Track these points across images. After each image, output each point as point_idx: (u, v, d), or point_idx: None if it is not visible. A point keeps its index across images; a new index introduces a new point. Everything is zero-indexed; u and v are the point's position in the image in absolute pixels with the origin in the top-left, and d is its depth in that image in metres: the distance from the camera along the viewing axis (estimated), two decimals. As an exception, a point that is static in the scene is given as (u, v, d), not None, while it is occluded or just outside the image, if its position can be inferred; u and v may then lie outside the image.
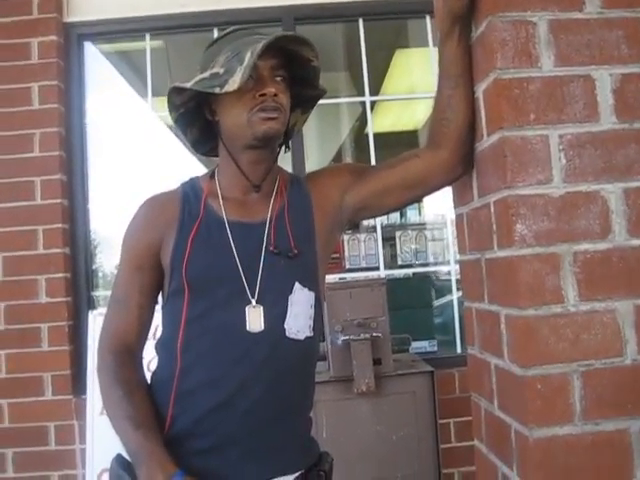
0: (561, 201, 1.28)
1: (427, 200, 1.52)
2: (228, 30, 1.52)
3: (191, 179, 1.60)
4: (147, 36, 3.81)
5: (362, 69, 3.84)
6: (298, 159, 3.65)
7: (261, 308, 1.42)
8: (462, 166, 1.50)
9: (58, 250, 3.44)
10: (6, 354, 3.38)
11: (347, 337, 2.89)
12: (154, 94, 3.78)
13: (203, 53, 1.53)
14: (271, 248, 1.46)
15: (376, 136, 3.85)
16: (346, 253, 4.03)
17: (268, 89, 1.40)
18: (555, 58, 1.31)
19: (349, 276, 3.89)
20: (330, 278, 3.54)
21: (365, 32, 3.82)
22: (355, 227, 4.11)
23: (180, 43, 4.15)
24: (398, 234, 4.21)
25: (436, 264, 4.30)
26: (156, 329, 1.55)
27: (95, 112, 3.78)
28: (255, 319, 1.41)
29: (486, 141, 1.40)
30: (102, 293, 3.76)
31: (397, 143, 5.25)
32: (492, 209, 1.39)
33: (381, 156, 3.75)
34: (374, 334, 2.90)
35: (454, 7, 1.42)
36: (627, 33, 1.31)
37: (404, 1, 3.67)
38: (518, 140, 1.29)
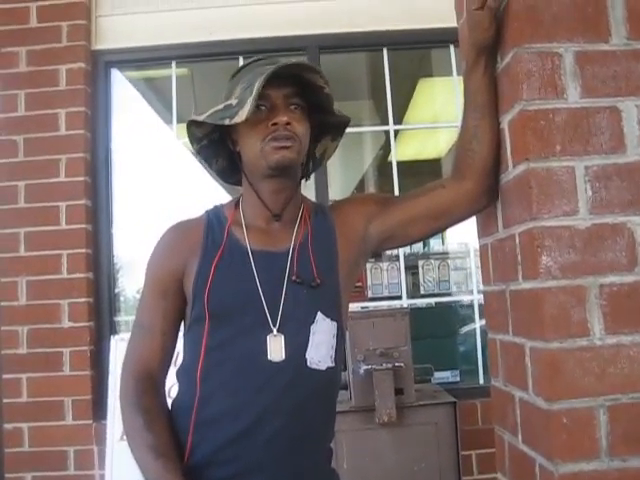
0: (587, 233, 1.27)
1: (450, 229, 1.51)
2: (250, 60, 1.54)
3: (215, 207, 1.61)
4: (173, 63, 3.86)
5: (386, 98, 3.84)
6: (321, 187, 3.66)
7: (282, 337, 1.41)
8: (487, 197, 1.50)
9: (81, 275, 3.46)
10: (28, 378, 3.39)
11: (369, 367, 2.86)
12: (179, 121, 3.82)
13: (227, 83, 1.54)
14: (293, 277, 1.45)
15: (399, 165, 3.84)
16: (369, 282, 4.02)
17: (280, 118, 1.40)
18: (581, 89, 1.31)
19: (372, 305, 3.87)
20: (352, 307, 3.50)
21: (389, 61, 3.84)
22: (378, 256, 4.10)
23: (205, 71, 4.19)
24: (421, 263, 4.19)
25: (459, 293, 4.28)
26: (177, 356, 1.55)
27: (120, 138, 3.82)
28: (276, 348, 1.40)
29: (511, 172, 1.39)
30: (124, 318, 3.76)
31: (420, 172, 5.23)
32: (517, 240, 1.38)
33: (404, 185, 3.75)
34: (396, 364, 2.87)
35: (480, 38, 1.42)
36: (654, 65, 1.31)
37: (428, 31, 3.68)
38: (544, 171, 1.28)
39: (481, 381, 3.67)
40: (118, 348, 3.12)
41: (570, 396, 1.24)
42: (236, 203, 1.58)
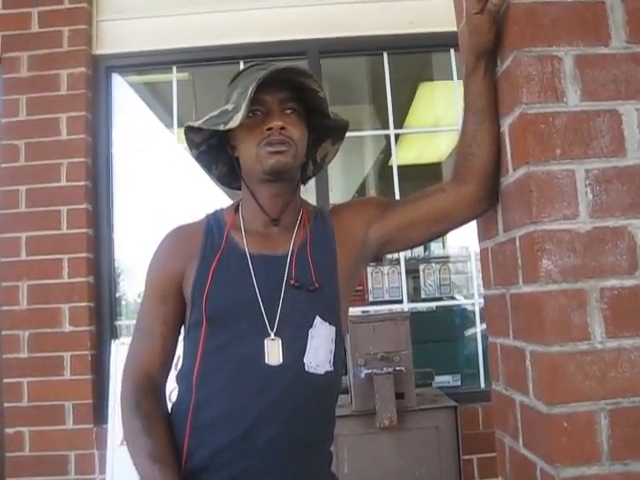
0: (587, 236, 1.27)
1: (451, 233, 1.52)
2: (248, 65, 1.55)
3: (216, 211, 1.61)
4: (174, 68, 3.87)
5: (386, 102, 3.85)
6: (322, 191, 3.66)
7: (279, 341, 1.41)
8: (487, 201, 1.50)
9: (82, 279, 3.46)
10: (29, 382, 3.39)
11: (370, 371, 2.86)
12: (180, 125, 3.82)
13: (227, 88, 1.55)
14: (292, 282, 1.45)
15: (400, 168, 3.84)
16: (369, 286, 4.02)
17: (275, 122, 1.41)
18: (581, 93, 1.31)
19: (372, 309, 3.87)
20: (353, 311, 3.52)
21: (389, 65, 3.84)
22: (379, 260, 4.10)
23: (206, 75, 4.20)
24: (422, 267, 4.20)
25: (460, 297, 4.28)
26: (178, 359, 1.54)
27: (121, 143, 3.82)
28: (274, 352, 1.40)
29: (512, 176, 1.39)
30: (125, 322, 3.77)
31: (421, 176, 5.25)
32: (517, 244, 1.38)
33: (405, 188, 3.75)
34: (397, 368, 2.87)
35: (480, 42, 1.42)
36: (654, 68, 1.31)
37: (428, 35, 3.69)
38: (544, 175, 1.28)
39: (482, 385, 3.66)
40: (119, 352, 3.12)
41: (571, 400, 1.24)
42: (236, 207, 1.59)
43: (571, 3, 1.33)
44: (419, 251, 4.67)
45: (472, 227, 1.69)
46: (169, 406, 1.52)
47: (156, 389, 1.49)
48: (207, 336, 1.43)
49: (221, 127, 1.40)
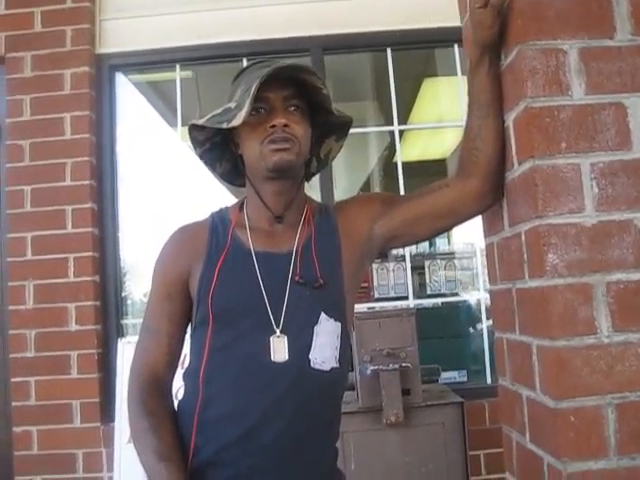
0: (593, 230, 1.27)
1: (456, 229, 1.51)
2: (251, 63, 1.55)
3: (220, 209, 1.61)
4: (177, 66, 3.86)
5: (390, 98, 3.84)
6: (326, 188, 3.66)
7: (285, 338, 1.41)
8: (492, 195, 1.50)
9: (88, 278, 3.47)
10: (36, 381, 3.40)
11: (376, 367, 2.86)
12: (184, 124, 3.81)
13: (230, 86, 1.54)
14: (297, 278, 1.45)
15: (404, 165, 3.84)
16: (375, 282, 4.01)
17: (278, 120, 1.41)
18: (586, 86, 1.30)
19: (378, 306, 3.86)
20: (359, 308, 3.51)
21: (393, 61, 3.83)
22: (384, 256, 4.09)
23: (210, 73, 4.20)
24: (427, 263, 4.19)
25: (465, 293, 4.27)
26: (184, 358, 1.55)
27: (125, 142, 3.82)
28: (279, 349, 1.40)
29: (517, 170, 1.39)
30: (131, 321, 3.77)
31: (425, 172, 5.22)
32: (523, 238, 1.37)
33: (409, 185, 3.74)
34: (403, 364, 2.87)
35: (483, 36, 1.42)
36: (659, 60, 1.30)
37: (432, 30, 3.68)
38: (549, 169, 1.28)
39: (488, 381, 3.65)
40: (125, 351, 3.13)
41: (578, 394, 1.23)
42: (241, 205, 1.59)
43: (575, -4, 1.32)
44: (424, 247, 4.66)
45: (477, 222, 1.68)
46: (175, 404, 1.53)
47: (162, 387, 1.50)
48: (213, 334, 1.43)
49: (224, 125, 1.40)
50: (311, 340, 1.42)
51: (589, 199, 1.28)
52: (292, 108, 1.45)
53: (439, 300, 4.23)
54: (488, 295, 1.74)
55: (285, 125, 1.41)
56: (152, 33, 3.77)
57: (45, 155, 3.53)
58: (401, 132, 4.04)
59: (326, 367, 1.43)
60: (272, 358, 1.39)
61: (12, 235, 3.50)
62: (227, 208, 1.61)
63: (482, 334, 3.78)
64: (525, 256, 1.37)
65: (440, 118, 5.08)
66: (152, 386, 1.47)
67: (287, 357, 1.40)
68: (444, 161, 5.46)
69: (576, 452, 1.23)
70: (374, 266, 3.98)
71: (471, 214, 1.55)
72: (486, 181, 1.47)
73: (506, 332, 1.55)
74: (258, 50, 3.61)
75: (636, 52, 1.31)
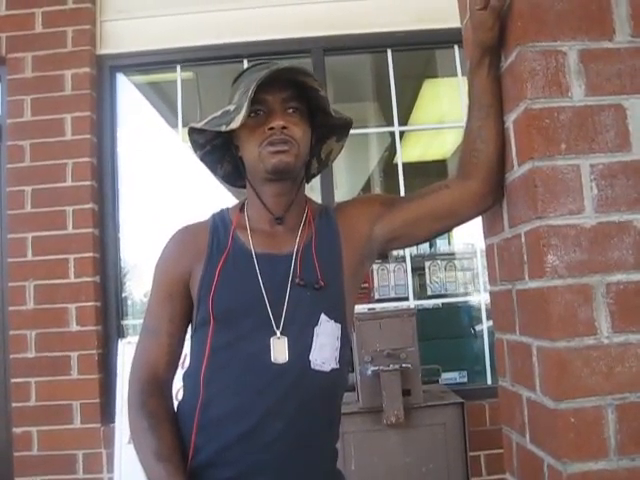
0: (593, 231, 1.27)
1: (456, 230, 1.52)
2: (250, 65, 1.56)
3: (221, 210, 1.62)
4: (178, 67, 3.87)
5: (391, 99, 3.85)
6: (327, 189, 3.66)
7: (285, 339, 1.41)
8: (492, 196, 1.50)
9: (89, 279, 3.47)
10: (36, 382, 3.40)
11: (376, 368, 2.86)
12: (184, 124, 3.82)
13: (230, 88, 1.55)
14: (297, 280, 1.45)
15: (405, 166, 3.84)
16: (375, 283, 4.02)
17: (276, 122, 1.41)
18: (586, 87, 1.31)
19: (378, 306, 3.87)
20: (359, 308, 3.52)
21: (394, 62, 3.84)
22: (384, 257, 4.10)
23: (211, 74, 4.20)
24: (427, 264, 4.19)
25: (466, 294, 4.28)
26: (184, 358, 1.55)
27: (126, 142, 3.83)
28: (280, 350, 1.41)
29: (516, 171, 1.39)
30: (132, 322, 3.77)
31: (426, 173, 5.24)
32: (523, 239, 1.38)
33: (410, 186, 3.75)
34: (404, 365, 2.87)
35: (483, 38, 1.42)
36: (658, 62, 1.31)
37: (432, 32, 3.69)
38: (549, 170, 1.28)
39: (489, 382, 3.66)
40: (126, 351, 3.13)
41: (578, 395, 1.24)
42: (241, 206, 1.59)
43: (575, -3, 1.33)
44: (425, 248, 4.66)
45: (477, 224, 1.69)
46: (175, 405, 1.53)
47: (162, 388, 1.50)
48: (214, 335, 1.43)
49: (223, 128, 1.41)
50: (311, 341, 1.43)
51: (589, 200, 1.28)
52: (291, 110, 1.46)
53: (439, 301, 4.23)
54: (488, 296, 1.74)
55: (284, 127, 1.41)
56: (153, 34, 3.78)
57: (46, 156, 3.54)
58: (401, 133, 4.04)
59: (326, 368, 1.43)
60: (272, 359, 1.39)
61: (12, 235, 3.51)
62: (228, 209, 1.62)
63: (482, 335, 3.79)
64: (525, 257, 1.37)
65: (440, 119, 5.09)
66: (152, 386, 1.48)
67: (287, 358, 1.40)
68: (444, 162, 5.47)
69: (576, 453, 1.23)
70: (374, 267, 3.98)
71: (471, 215, 1.55)
72: (486, 182, 1.47)
73: (506, 333, 1.56)
74: (259, 51, 3.62)
75: (635, 54, 1.31)
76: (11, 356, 3.44)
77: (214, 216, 1.60)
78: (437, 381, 3.57)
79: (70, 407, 3.39)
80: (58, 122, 3.57)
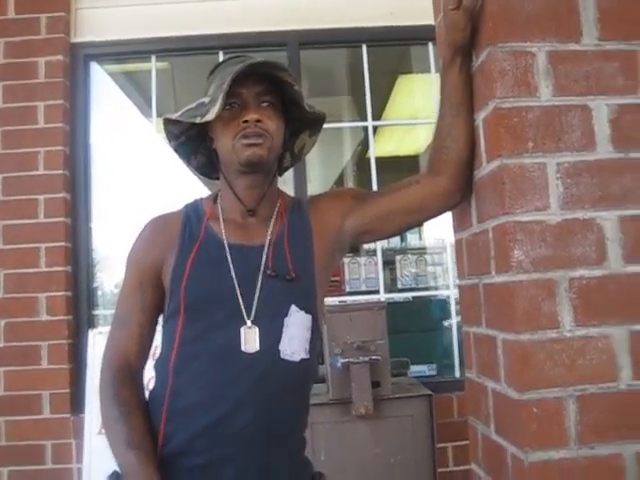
0: (558, 228, 1.30)
1: (427, 225, 1.54)
2: (226, 58, 1.58)
3: (195, 201, 1.63)
4: (153, 57, 3.85)
5: (365, 94, 3.86)
6: (300, 183, 3.67)
7: (256, 329, 1.43)
8: (461, 193, 1.53)
9: (60, 268, 3.45)
10: (5, 371, 3.37)
11: (346, 360, 2.89)
12: (159, 115, 3.80)
13: (206, 80, 1.56)
14: (268, 271, 1.47)
15: (378, 161, 3.86)
16: (346, 276, 4.04)
17: (250, 115, 1.43)
18: (553, 88, 1.34)
19: (349, 299, 3.90)
20: (330, 301, 3.54)
21: (368, 57, 3.86)
22: (355, 250, 4.12)
23: (185, 65, 4.19)
24: (398, 258, 4.23)
25: (436, 288, 4.32)
26: (155, 348, 1.56)
27: (100, 132, 3.80)
28: (250, 339, 1.42)
29: (485, 168, 1.42)
30: (102, 312, 3.76)
31: (399, 168, 5.27)
32: (490, 235, 1.41)
33: (383, 180, 3.77)
34: (373, 357, 2.90)
35: (456, 37, 1.45)
36: (623, 65, 1.35)
37: (407, 28, 3.71)
38: (516, 168, 1.31)
39: (457, 375, 3.70)
40: (96, 341, 3.12)
41: (540, 386, 1.27)
42: (215, 198, 1.60)
43: (545, 0, 1.35)
44: (396, 242, 4.70)
45: (448, 218, 1.72)
46: (146, 394, 1.54)
47: (133, 377, 1.51)
48: (185, 324, 1.44)
49: (197, 120, 1.42)
50: (281, 331, 1.44)
51: (554, 198, 1.31)
52: (265, 104, 1.47)
53: (410, 294, 4.27)
54: (457, 290, 1.77)
55: (258, 120, 1.43)
56: (128, 23, 3.75)
57: (18, 143, 3.50)
58: (375, 128, 4.06)
59: (296, 358, 1.45)
60: (243, 348, 1.41)
61: (-17, 224, 3.47)
62: (202, 200, 1.63)
63: (452, 329, 3.83)
64: (492, 252, 1.40)
65: (414, 115, 5.12)
66: (124, 375, 1.48)
67: (258, 348, 1.41)
68: (417, 157, 5.51)
69: (538, 442, 1.26)
70: (346, 260, 4.01)
71: (441, 210, 1.58)
72: (455, 179, 1.50)
73: (473, 326, 1.59)
74: (234, 43, 3.63)
75: (602, 56, 1.34)
76: (-20, 345, 3.41)
77: (187, 207, 1.61)
78: (406, 374, 3.61)
79: (40, 397, 3.36)
80: (31, 110, 3.53)
